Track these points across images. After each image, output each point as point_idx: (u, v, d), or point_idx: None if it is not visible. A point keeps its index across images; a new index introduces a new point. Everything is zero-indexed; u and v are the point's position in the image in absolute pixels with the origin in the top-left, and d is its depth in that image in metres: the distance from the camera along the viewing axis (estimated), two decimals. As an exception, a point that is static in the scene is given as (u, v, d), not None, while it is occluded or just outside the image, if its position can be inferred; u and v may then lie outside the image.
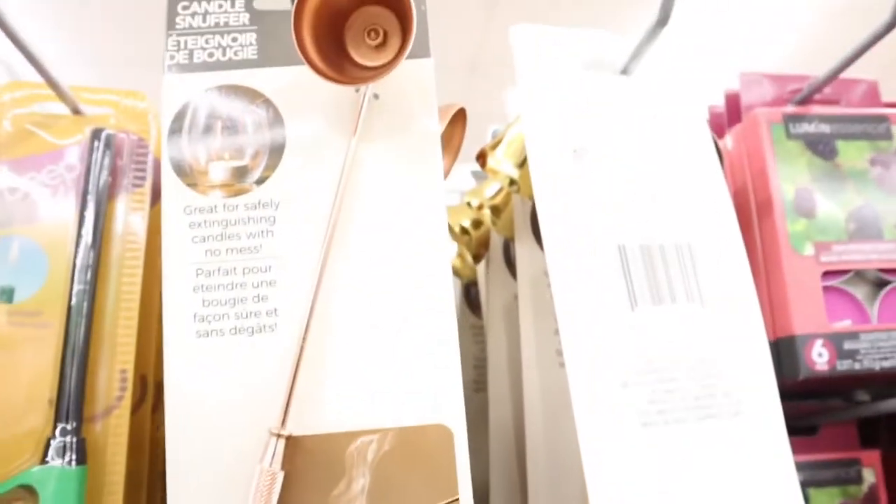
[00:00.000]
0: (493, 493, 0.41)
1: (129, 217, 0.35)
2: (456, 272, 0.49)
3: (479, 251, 0.45)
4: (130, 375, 0.33)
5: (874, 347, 0.38)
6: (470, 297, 0.50)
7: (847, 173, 0.41)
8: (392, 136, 0.31)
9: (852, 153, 0.42)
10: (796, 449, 0.43)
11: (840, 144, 0.42)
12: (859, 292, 0.40)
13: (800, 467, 0.41)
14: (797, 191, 0.40)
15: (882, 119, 0.42)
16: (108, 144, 0.35)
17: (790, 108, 0.42)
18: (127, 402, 0.33)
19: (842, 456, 0.42)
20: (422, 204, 0.30)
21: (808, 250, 0.39)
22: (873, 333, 0.38)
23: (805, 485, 0.41)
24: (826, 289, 0.39)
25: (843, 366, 0.38)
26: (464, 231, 0.44)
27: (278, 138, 0.31)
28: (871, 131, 0.42)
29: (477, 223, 0.44)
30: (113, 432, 0.32)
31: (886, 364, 0.38)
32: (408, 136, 0.31)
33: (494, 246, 0.43)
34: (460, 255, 0.48)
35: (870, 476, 0.42)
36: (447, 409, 0.28)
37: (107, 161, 0.35)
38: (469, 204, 0.41)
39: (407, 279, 0.29)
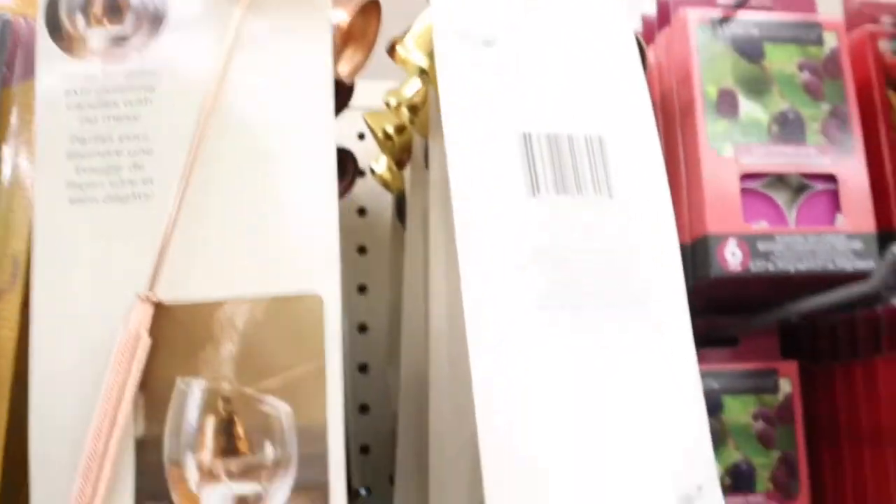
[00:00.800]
0: (403, 409, 0.40)
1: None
2: (386, 184, 0.48)
3: (402, 157, 0.44)
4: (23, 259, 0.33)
5: (789, 249, 0.38)
6: (402, 210, 0.49)
7: (773, 76, 0.40)
8: (280, 11, 0.30)
9: (780, 56, 0.41)
10: (717, 359, 0.43)
11: (768, 47, 0.41)
12: (779, 196, 0.39)
13: (718, 376, 0.41)
14: (720, 92, 0.40)
15: (814, 25, 0.41)
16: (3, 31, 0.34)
17: (718, 10, 0.41)
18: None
19: (760, 366, 0.42)
20: (307, 78, 0.30)
21: (728, 151, 0.39)
22: (789, 236, 0.38)
23: (721, 392, 0.41)
24: (745, 191, 0.39)
25: (757, 266, 0.37)
26: (387, 136, 0.43)
27: (161, 6, 0.30)
28: (801, 36, 0.41)
29: (400, 128, 0.43)
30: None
31: (801, 266, 0.37)
32: (297, 14, 0.30)
33: (416, 148, 0.42)
34: (389, 168, 0.47)
35: (786, 386, 0.42)
36: (320, 278, 0.27)
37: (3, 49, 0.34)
38: (388, 104, 0.40)
39: (286, 150, 0.28)
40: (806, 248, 0.38)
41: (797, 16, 0.41)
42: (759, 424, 0.42)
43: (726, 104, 0.39)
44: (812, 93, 0.40)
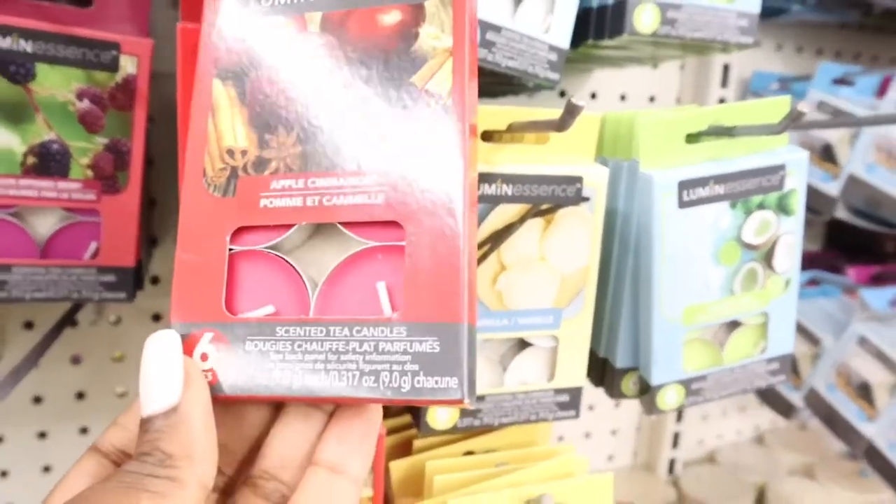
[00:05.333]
0: None
1: None
2: None
3: None
4: None
5: (27, 280, 0.39)
6: None
7: (41, 102, 0.36)
8: None
9: (55, 80, 0.36)
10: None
11: (41, 68, 0.36)
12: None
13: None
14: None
15: (110, 45, 0.37)
16: None
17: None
18: None
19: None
20: None
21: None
22: (29, 268, 0.39)
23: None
24: (-9, 218, 0.38)
25: None
26: None
27: None
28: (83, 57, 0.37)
29: None
30: None
31: (39, 295, 0.40)
32: None
33: None
34: None
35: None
36: None
37: None
38: None
39: None
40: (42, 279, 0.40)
41: (84, 33, 0.36)
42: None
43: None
44: (87, 123, 0.38)
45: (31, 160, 0.38)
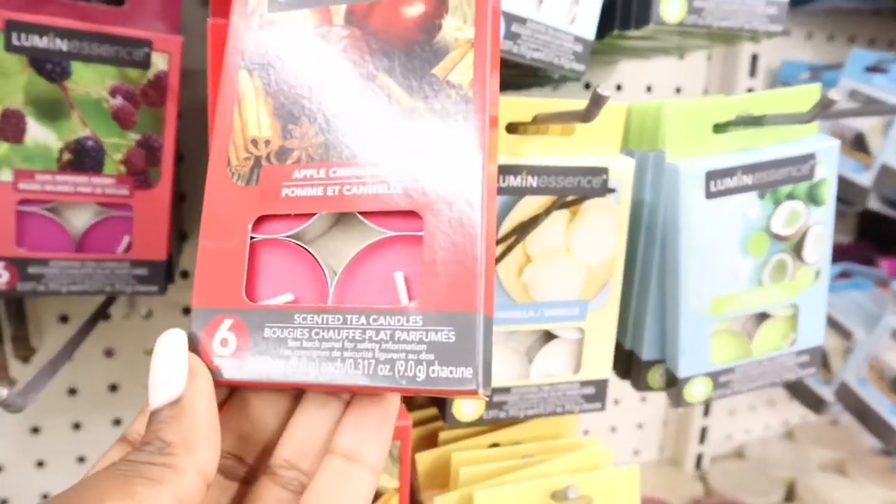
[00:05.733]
0: None
1: None
2: None
3: None
4: None
5: (63, 273, 0.40)
6: None
7: (76, 100, 0.37)
8: None
9: (90, 78, 0.37)
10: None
11: (76, 66, 0.37)
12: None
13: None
14: (5, 112, 0.36)
15: (142, 43, 0.38)
16: None
17: (18, 13, 0.35)
18: None
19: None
20: None
21: (6, 176, 0.37)
22: (65, 261, 0.40)
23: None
24: (28, 214, 0.39)
25: (26, 287, 0.40)
26: None
27: None
28: (116, 55, 0.37)
29: None
30: None
31: (74, 288, 0.41)
32: None
33: None
34: None
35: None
36: None
37: None
38: None
39: None
40: (82, 272, 0.41)
41: (115, 31, 0.37)
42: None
43: (10, 126, 0.36)
44: (121, 120, 0.39)
45: (66, 156, 0.38)
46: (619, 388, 0.77)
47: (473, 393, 0.20)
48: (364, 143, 0.23)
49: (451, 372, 0.20)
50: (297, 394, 0.24)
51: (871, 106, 0.54)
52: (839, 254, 0.81)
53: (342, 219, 0.24)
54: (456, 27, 0.23)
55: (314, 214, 0.23)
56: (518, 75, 0.49)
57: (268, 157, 0.24)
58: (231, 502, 0.23)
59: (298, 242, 0.24)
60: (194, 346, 0.22)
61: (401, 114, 0.23)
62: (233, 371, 0.22)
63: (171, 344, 0.21)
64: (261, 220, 0.23)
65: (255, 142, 0.24)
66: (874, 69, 0.62)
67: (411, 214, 0.22)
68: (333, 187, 0.23)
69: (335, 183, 0.23)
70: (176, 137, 0.41)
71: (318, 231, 0.24)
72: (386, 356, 0.21)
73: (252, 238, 0.23)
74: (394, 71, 0.23)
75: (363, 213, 0.23)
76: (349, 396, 0.23)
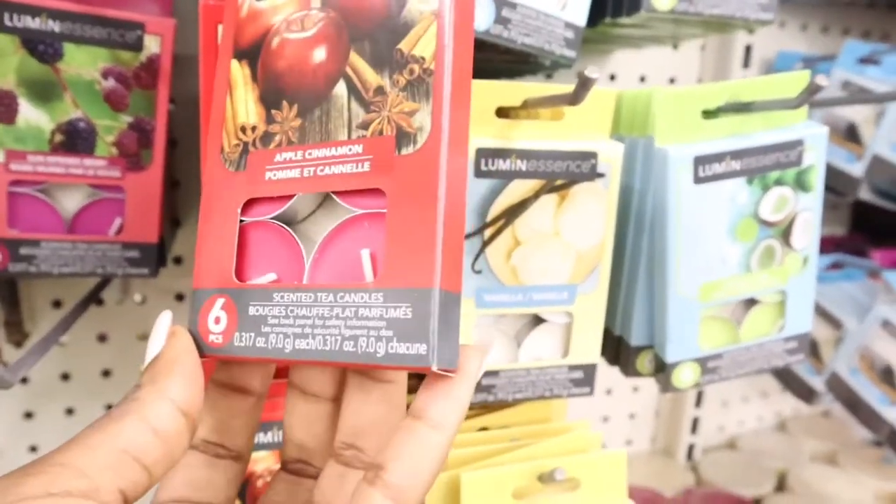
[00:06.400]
0: None
1: None
2: None
3: None
4: None
5: (55, 254, 0.41)
6: None
7: (69, 81, 0.38)
8: None
9: (82, 59, 0.37)
10: None
11: (68, 47, 0.37)
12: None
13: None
14: (-3, 93, 0.36)
15: (135, 25, 0.38)
16: None
17: None
18: None
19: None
20: None
21: (-1, 157, 0.38)
22: (57, 242, 0.40)
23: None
24: (19, 195, 0.39)
25: (18, 268, 0.40)
26: None
27: None
28: (109, 37, 0.37)
29: None
30: None
31: (66, 270, 0.41)
32: None
33: None
34: None
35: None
36: None
37: None
38: None
39: None
40: (73, 254, 0.41)
41: (106, 13, 0.37)
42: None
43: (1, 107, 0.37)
44: (112, 102, 0.39)
45: (58, 137, 0.39)
46: (612, 378, 0.78)
47: (427, 370, 0.20)
48: (336, 123, 0.23)
49: (407, 348, 0.20)
50: (338, 394, 0.25)
51: (860, 94, 0.55)
52: (833, 245, 0.81)
53: (324, 199, 0.24)
54: (421, 0, 0.23)
55: (293, 196, 0.24)
56: (510, 62, 0.50)
57: (254, 143, 0.24)
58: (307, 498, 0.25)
59: (280, 224, 0.24)
60: (193, 323, 0.23)
61: (368, 91, 0.23)
62: (224, 347, 0.23)
63: (160, 322, 0.23)
64: (250, 203, 0.24)
65: (243, 128, 0.24)
66: (867, 60, 0.62)
67: (379, 192, 0.22)
68: (309, 168, 0.23)
69: (310, 164, 0.23)
70: (169, 122, 0.41)
71: (302, 212, 0.25)
72: (350, 332, 0.21)
73: (242, 221, 0.24)
74: (363, 50, 0.24)
75: (336, 193, 0.23)
76: (390, 378, 0.24)
